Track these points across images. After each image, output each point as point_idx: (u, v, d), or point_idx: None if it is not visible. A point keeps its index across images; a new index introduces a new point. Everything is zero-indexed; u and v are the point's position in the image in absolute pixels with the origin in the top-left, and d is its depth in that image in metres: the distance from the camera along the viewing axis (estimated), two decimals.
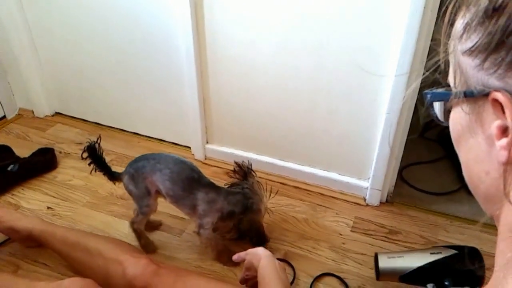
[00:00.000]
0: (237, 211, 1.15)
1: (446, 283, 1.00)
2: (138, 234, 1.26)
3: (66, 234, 1.19)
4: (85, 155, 1.19)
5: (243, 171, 1.20)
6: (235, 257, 1.02)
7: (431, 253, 1.05)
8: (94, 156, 1.21)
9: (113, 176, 1.24)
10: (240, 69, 1.43)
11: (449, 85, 0.43)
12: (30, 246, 1.27)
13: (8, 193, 1.50)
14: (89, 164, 1.21)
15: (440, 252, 1.05)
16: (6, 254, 1.27)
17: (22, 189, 1.52)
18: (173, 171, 1.18)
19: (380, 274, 1.08)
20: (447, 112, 0.44)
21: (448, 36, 0.41)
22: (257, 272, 0.92)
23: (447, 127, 0.45)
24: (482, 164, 0.39)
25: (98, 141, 1.20)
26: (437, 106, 0.46)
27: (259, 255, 0.95)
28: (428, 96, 0.44)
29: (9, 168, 1.50)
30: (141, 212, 1.22)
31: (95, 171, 1.23)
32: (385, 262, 1.08)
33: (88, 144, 1.19)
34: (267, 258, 0.94)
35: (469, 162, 0.42)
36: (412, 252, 1.12)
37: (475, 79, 0.37)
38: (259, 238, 1.26)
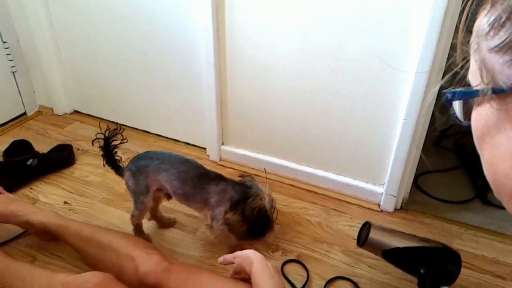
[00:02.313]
0: (241, 199, 1.21)
1: (422, 271, 1.03)
2: (134, 228, 1.29)
3: (80, 228, 1.20)
4: (101, 139, 1.20)
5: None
6: (220, 260, 0.98)
7: (420, 239, 1.08)
8: (106, 147, 1.22)
9: (118, 171, 1.26)
10: (258, 71, 1.44)
11: (469, 84, 0.43)
12: (46, 239, 1.29)
13: (26, 186, 1.52)
14: (102, 155, 1.23)
15: (428, 242, 1.08)
16: (23, 246, 1.29)
17: (40, 184, 1.55)
18: (180, 171, 1.20)
19: (366, 243, 1.10)
20: (467, 111, 0.44)
21: (467, 37, 0.41)
22: (251, 277, 0.88)
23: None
24: (510, 161, 0.39)
25: (113, 133, 1.21)
26: (457, 106, 0.45)
27: (250, 259, 0.90)
28: (449, 95, 0.43)
29: (28, 162, 1.52)
30: (136, 208, 1.24)
31: (104, 162, 1.24)
32: (376, 233, 1.10)
33: (107, 132, 1.20)
34: (260, 262, 0.89)
35: (495, 159, 0.41)
36: (403, 233, 1.13)
37: (505, 75, 0.37)
38: (267, 223, 1.28)
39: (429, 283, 1.01)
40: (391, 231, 1.12)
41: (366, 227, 1.12)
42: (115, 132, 1.21)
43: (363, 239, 1.12)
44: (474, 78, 0.41)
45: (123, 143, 1.23)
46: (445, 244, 1.09)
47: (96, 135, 1.22)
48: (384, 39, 1.22)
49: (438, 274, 1.04)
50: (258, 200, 1.23)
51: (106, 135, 1.20)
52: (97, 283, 0.90)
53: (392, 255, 1.08)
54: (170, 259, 1.08)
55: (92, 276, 0.92)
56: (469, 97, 0.43)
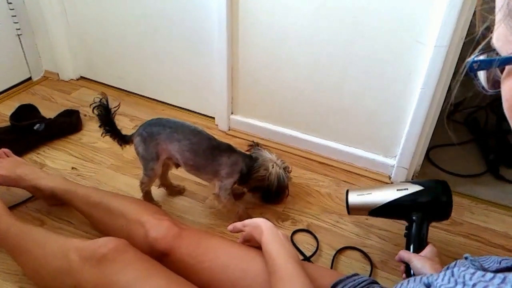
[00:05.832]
0: (248, 172, 1.21)
1: (414, 217, 1.04)
2: (143, 195, 1.29)
3: (88, 193, 1.19)
4: (96, 111, 1.17)
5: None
6: (230, 228, 0.98)
7: (397, 190, 1.08)
8: (105, 118, 1.19)
9: (124, 139, 1.23)
10: (271, 39, 1.40)
11: (492, 50, 0.40)
12: (54, 204, 1.28)
13: (33, 151, 1.51)
14: (100, 126, 1.20)
15: (407, 189, 1.07)
16: (31, 210, 1.28)
17: (48, 149, 1.53)
18: (193, 143, 1.18)
19: (350, 209, 1.13)
20: (491, 80, 0.42)
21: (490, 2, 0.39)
22: (261, 246, 0.87)
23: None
24: None
25: (107, 101, 1.17)
26: (482, 75, 0.43)
27: (260, 228, 0.89)
28: (475, 64, 0.40)
29: (35, 127, 1.50)
30: (145, 175, 1.23)
31: (104, 134, 1.22)
32: (354, 198, 1.13)
33: (99, 100, 1.16)
34: (270, 231, 0.88)
35: None
36: (380, 188, 1.13)
37: None
38: (270, 195, 1.28)
39: (415, 228, 1.02)
40: (369, 191, 1.12)
41: (346, 194, 1.15)
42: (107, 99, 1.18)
43: (347, 207, 1.14)
44: (507, 44, 0.38)
45: (117, 108, 1.20)
46: (424, 181, 1.08)
47: (90, 105, 1.18)
48: (403, 5, 1.17)
49: (431, 212, 1.05)
50: (262, 171, 1.21)
51: (104, 102, 1.16)
52: (111, 248, 0.88)
53: (379, 213, 1.10)
54: (180, 224, 1.07)
55: (107, 241, 0.90)
56: (506, 65, 0.40)
